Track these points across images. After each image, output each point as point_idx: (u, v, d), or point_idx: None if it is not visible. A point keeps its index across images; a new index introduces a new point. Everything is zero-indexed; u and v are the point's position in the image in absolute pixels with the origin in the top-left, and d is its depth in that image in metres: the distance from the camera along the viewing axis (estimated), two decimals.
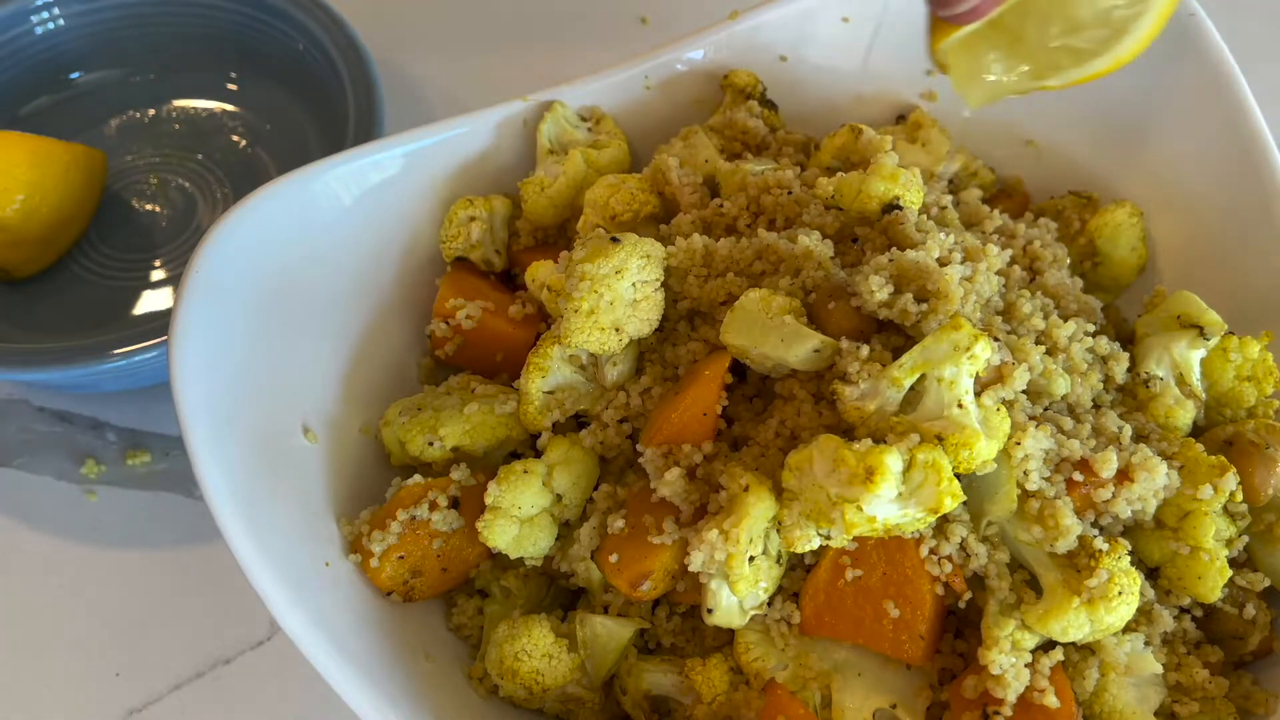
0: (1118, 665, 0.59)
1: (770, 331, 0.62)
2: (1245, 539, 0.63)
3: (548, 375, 0.67)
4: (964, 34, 0.65)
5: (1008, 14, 0.65)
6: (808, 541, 0.57)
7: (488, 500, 0.64)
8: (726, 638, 0.64)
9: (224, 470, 0.61)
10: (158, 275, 0.94)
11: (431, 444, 0.68)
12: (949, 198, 0.76)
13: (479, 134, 0.78)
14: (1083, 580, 0.57)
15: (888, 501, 0.55)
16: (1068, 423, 0.63)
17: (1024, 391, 0.62)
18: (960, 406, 0.57)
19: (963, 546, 0.60)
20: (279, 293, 0.70)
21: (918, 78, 0.86)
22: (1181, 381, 0.67)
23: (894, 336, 0.64)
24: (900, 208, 0.68)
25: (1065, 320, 0.66)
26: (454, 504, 0.67)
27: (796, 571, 0.62)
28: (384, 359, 0.76)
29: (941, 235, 0.66)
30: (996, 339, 0.62)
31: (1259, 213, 0.75)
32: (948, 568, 0.60)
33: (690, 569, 0.59)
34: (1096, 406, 0.66)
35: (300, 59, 0.99)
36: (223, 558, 0.59)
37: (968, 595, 0.60)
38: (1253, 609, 0.64)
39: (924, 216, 0.71)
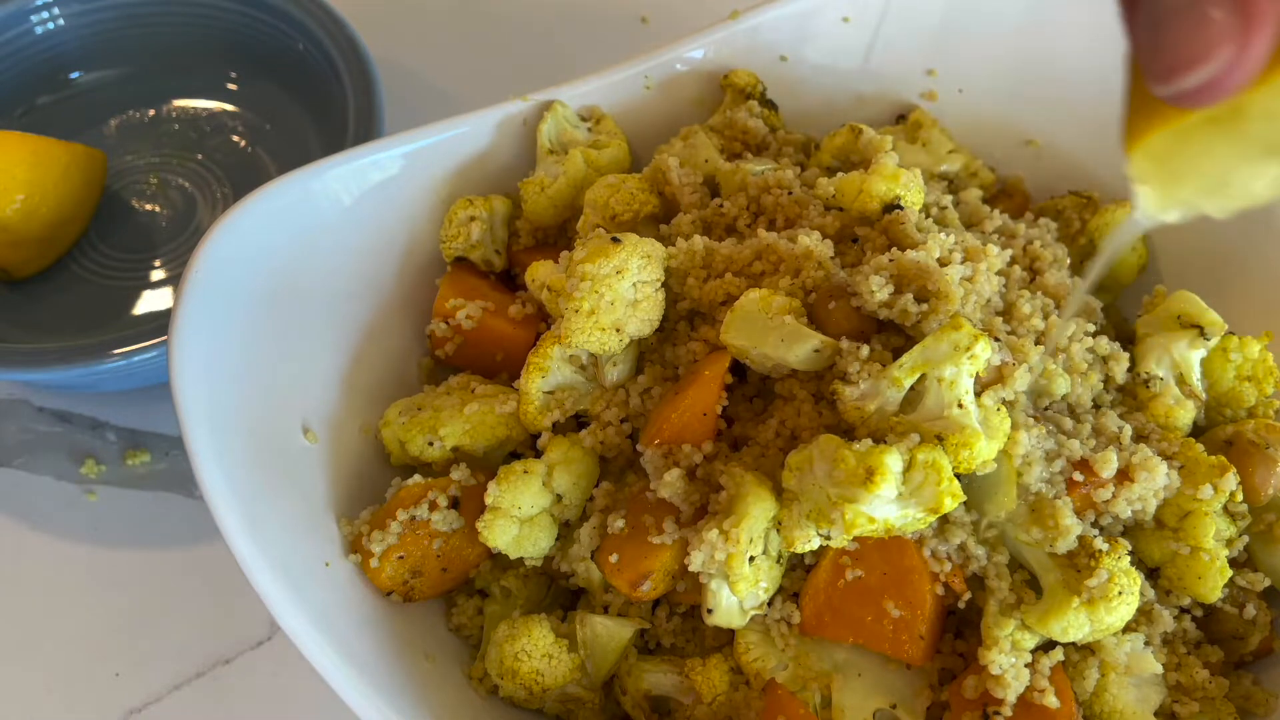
0: (1118, 665, 0.59)
1: (770, 331, 0.62)
2: (1245, 539, 0.63)
3: (548, 375, 0.67)
4: (1187, 124, 0.41)
5: (1253, 103, 0.39)
6: (808, 542, 0.57)
7: (488, 500, 0.64)
8: (726, 638, 0.64)
9: (224, 470, 0.61)
10: (158, 275, 0.94)
11: (431, 444, 0.68)
12: (949, 198, 0.76)
13: (479, 134, 0.78)
14: (1083, 580, 0.57)
15: (888, 501, 0.55)
16: (1068, 423, 0.63)
17: (1024, 391, 0.62)
18: (960, 406, 0.57)
19: (962, 547, 0.60)
20: (279, 292, 0.70)
21: (918, 78, 0.86)
22: (1181, 381, 0.67)
23: (894, 336, 0.64)
24: (901, 208, 0.68)
25: None
26: (454, 504, 0.67)
27: (796, 571, 0.62)
28: (384, 359, 0.76)
29: (942, 235, 0.66)
30: (996, 339, 0.62)
31: (1259, 212, 0.74)
32: (948, 568, 0.60)
33: (690, 569, 0.59)
34: (1097, 406, 0.66)
35: (300, 59, 0.99)
36: (223, 558, 0.59)
37: (968, 595, 0.60)
38: (1253, 609, 0.64)
39: (924, 216, 0.71)
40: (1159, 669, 0.60)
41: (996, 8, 0.83)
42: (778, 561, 0.60)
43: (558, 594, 0.70)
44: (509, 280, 0.80)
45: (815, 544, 0.57)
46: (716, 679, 0.62)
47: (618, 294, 0.63)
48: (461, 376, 0.74)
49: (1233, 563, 0.63)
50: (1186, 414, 0.66)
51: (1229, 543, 0.62)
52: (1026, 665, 0.58)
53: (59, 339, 0.88)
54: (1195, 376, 0.67)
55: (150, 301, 0.92)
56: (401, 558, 0.65)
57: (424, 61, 1.10)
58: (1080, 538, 0.59)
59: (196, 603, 0.80)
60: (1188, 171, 0.45)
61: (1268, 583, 0.64)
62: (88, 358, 0.78)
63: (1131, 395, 0.67)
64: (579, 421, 0.70)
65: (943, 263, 0.64)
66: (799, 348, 0.61)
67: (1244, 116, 0.41)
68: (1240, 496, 0.61)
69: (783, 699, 0.60)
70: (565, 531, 0.67)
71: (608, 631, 0.64)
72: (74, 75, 1.03)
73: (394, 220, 0.77)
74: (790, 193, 0.72)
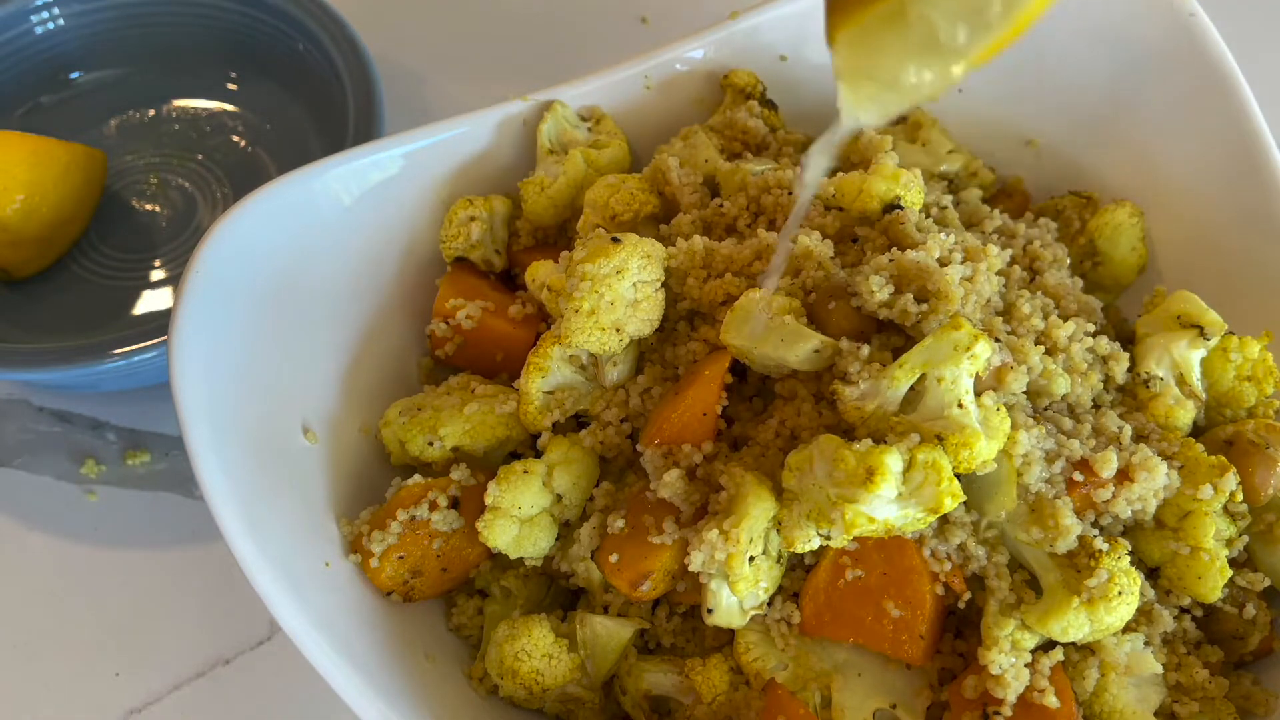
0: (1118, 665, 0.59)
1: (770, 331, 0.62)
2: (1245, 539, 0.63)
3: (548, 375, 0.67)
4: (865, 21, 0.49)
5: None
6: (808, 541, 0.57)
7: (488, 500, 0.64)
8: (726, 638, 0.64)
9: (224, 470, 0.61)
10: (158, 275, 0.94)
11: (431, 444, 0.68)
12: (949, 198, 0.76)
13: (479, 134, 0.78)
14: (1083, 580, 0.57)
15: (888, 501, 0.55)
16: (1068, 423, 0.63)
17: (1024, 391, 0.62)
18: (960, 406, 0.57)
19: (962, 547, 0.60)
20: (279, 293, 0.70)
21: None
22: (1181, 381, 0.67)
23: (894, 336, 0.64)
24: (901, 208, 0.68)
25: (1065, 320, 0.66)
26: (454, 504, 0.67)
27: (796, 571, 0.62)
28: (384, 359, 0.76)
29: (942, 235, 0.66)
30: (997, 339, 0.62)
31: (1259, 212, 0.75)
32: (948, 568, 0.60)
33: (690, 569, 0.59)
34: (1096, 406, 0.66)
35: (300, 59, 0.99)
36: (223, 558, 0.60)
37: (968, 595, 0.60)
38: (1253, 609, 0.64)
39: (924, 216, 0.71)
40: (1159, 669, 0.60)
41: None
42: (778, 561, 0.60)
43: (558, 594, 0.70)
44: (509, 280, 0.80)
45: (815, 544, 0.57)
46: (716, 679, 0.62)
47: (618, 294, 0.63)
48: (461, 376, 0.74)
49: (1233, 563, 0.63)
50: (1186, 414, 0.66)
51: (1229, 543, 0.62)
52: (1026, 665, 0.58)
53: (59, 339, 0.88)
54: (1195, 376, 0.67)
55: (150, 301, 0.92)
56: (401, 558, 0.65)
57: (424, 61, 1.10)
58: (1080, 538, 0.59)
59: (196, 603, 0.80)
60: (871, 67, 0.51)
61: (1268, 583, 0.64)
62: (88, 358, 0.78)
63: (1131, 395, 0.67)
64: (579, 421, 0.70)
65: (943, 263, 0.64)
66: (799, 348, 0.61)
67: (907, 15, 0.48)
68: (1240, 496, 0.61)
69: (783, 699, 0.60)
70: (565, 531, 0.67)
71: (608, 631, 0.64)
72: (74, 75, 1.03)
73: (394, 220, 0.77)
74: (790, 193, 0.72)
